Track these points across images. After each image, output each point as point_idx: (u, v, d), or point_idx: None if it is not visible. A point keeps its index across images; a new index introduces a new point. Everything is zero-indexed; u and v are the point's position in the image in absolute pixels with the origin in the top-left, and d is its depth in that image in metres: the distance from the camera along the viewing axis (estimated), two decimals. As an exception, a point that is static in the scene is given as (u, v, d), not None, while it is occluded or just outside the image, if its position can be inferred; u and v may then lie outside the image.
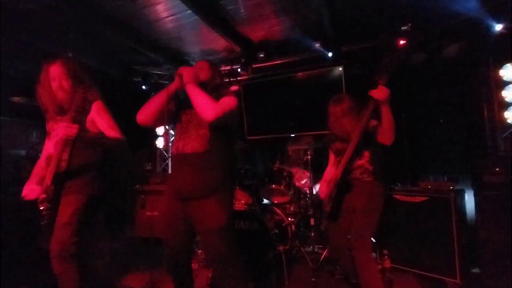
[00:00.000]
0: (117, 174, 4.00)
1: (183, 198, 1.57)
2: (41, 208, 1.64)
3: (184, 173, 1.57)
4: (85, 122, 1.74)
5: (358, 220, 1.87)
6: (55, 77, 1.76)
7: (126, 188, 3.92)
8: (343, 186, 1.96)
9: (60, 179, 1.66)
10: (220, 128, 1.60)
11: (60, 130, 1.58)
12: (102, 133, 1.75)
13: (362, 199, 1.89)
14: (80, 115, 1.62)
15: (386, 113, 1.81)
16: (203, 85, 1.62)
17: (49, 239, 1.64)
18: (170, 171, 4.81)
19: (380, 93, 1.78)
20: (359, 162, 1.96)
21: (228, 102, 1.58)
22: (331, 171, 2.16)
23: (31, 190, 1.67)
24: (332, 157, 2.22)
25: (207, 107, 1.49)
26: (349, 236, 1.89)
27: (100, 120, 1.76)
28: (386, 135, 1.84)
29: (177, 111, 1.74)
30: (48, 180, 1.61)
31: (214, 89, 1.67)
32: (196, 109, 1.53)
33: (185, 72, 1.58)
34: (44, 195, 1.63)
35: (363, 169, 1.95)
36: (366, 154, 1.96)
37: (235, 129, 1.73)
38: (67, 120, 1.59)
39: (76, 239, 1.63)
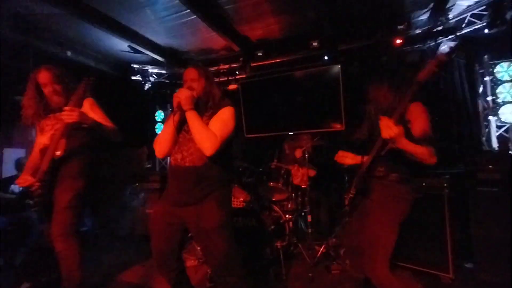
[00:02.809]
0: (113, 173, 4.05)
1: (179, 205, 1.59)
2: (32, 189, 1.79)
3: (182, 185, 1.60)
4: None
5: (373, 237, 1.55)
6: (46, 83, 1.88)
7: (123, 186, 3.96)
8: (364, 182, 1.63)
9: (56, 165, 1.81)
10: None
11: (63, 116, 1.69)
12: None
13: (379, 206, 1.57)
14: (79, 105, 1.78)
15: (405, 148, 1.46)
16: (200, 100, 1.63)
17: (47, 221, 1.80)
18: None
19: (386, 130, 1.38)
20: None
21: (227, 122, 1.60)
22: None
23: (24, 179, 1.82)
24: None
25: (205, 141, 1.52)
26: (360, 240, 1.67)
27: (94, 115, 1.89)
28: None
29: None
30: (44, 166, 1.77)
31: (210, 102, 1.65)
32: (195, 141, 1.55)
33: (182, 98, 1.55)
34: (37, 184, 1.77)
35: (387, 164, 1.60)
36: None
37: (233, 140, 1.70)
38: (70, 106, 1.71)
39: (75, 220, 1.81)
